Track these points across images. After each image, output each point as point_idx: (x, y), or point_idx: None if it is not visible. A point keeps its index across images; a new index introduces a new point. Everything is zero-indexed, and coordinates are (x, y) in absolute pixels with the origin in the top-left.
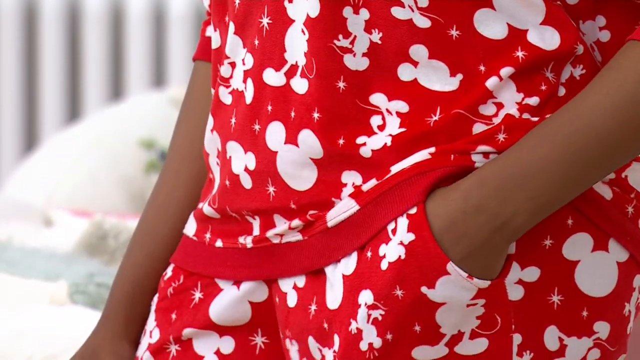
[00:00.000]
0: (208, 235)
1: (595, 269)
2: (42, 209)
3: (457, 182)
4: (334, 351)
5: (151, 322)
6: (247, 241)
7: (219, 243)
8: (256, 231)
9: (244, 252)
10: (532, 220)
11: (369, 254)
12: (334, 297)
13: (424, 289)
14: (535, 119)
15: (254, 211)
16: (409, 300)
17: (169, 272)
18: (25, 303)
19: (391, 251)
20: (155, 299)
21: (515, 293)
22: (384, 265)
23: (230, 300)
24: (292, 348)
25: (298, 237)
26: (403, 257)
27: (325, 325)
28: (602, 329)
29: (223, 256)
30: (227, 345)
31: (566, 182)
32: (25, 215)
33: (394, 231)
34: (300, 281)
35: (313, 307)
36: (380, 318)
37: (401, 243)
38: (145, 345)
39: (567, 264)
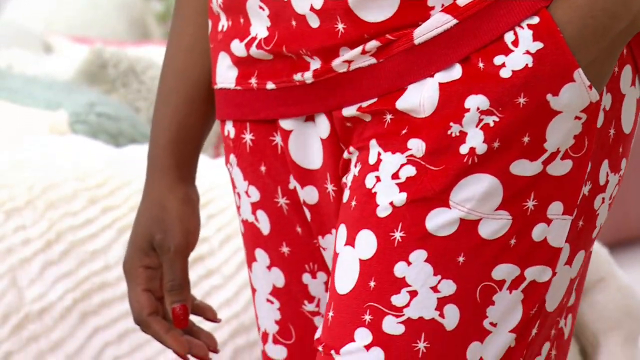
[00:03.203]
0: (254, 80)
1: (630, 106)
2: (41, 35)
3: None
4: (410, 155)
5: (240, 183)
6: (305, 77)
7: (270, 85)
8: (315, 66)
9: (303, 88)
10: None
11: (480, 64)
12: (420, 104)
13: (548, 96)
14: None
15: (315, 50)
16: (531, 108)
17: (230, 129)
18: (26, 132)
19: (516, 60)
20: (233, 159)
21: (599, 120)
22: (505, 73)
23: (313, 138)
24: (351, 157)
25: (371, 60)
26: (531, 65)
27: (404, 131)
28: (624, 166)
29: (281, 96)
30: (312, 195)
31: None
32: (24, 41)
33: (515, 42)
34: (367, 102)
35: (388, 117)
36: (492, 124)
37: (528, 52)
38: (247, 206)
39: (621, 97)
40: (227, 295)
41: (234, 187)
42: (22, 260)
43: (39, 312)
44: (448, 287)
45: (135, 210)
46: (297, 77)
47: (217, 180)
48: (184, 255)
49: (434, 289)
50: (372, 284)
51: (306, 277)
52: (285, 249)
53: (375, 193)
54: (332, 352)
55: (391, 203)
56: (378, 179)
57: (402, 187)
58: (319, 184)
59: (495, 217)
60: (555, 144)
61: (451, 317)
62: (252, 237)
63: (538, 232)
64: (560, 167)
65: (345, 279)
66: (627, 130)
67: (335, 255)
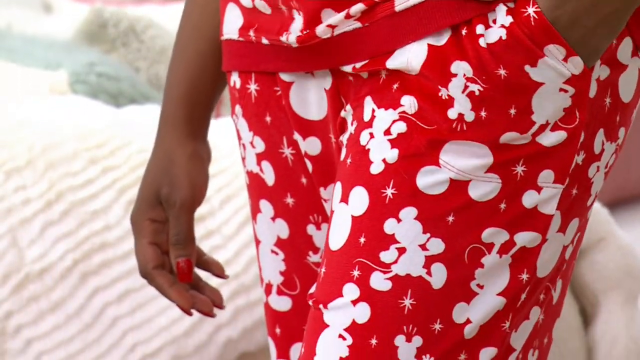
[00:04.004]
0: (252, 33)
1: (630, 76)
2: None
3: None
4: (402, 111)
5: (245, 133)
6: (290, 40)
7: (264, 41)
8: (297, 26)
9: (292, 49)
10: None
11: (463, 31)
12: (408, 62)
13: (527, 67)
14: None
15: (302, 3)
16: (512, 79)
17: (235, 79)
18: (26, 92)
19: (492, 33)
20: (238, 109)
21: (592, 91)
22: (482, 43)
23: (313, 90)
24: (347, 115)
25: (356, 25)
26: (504, 37)
27: (395, 86)
28: (622, 135)
29: (275, 52)
30: (314, 146)
31: None
32: (24, 0)
33: (495, 20)
34: (360, 63)
35: (383, 73)
36: (477, 93)
37: (502, 26)
38: (252, 157)
39: (621, 68)
40: (227, 255)
41: (239, 138)
42: (22, 220)
43: (39, 272)
44: (437, 245)
45: (135, 171)
46: (283, 38)
47: (218, 141)
48: (189, 210)
49: (423, 246)
50: (362, 240)
51: (310, 228)
52: (289, 200)
53: (369, 150)
54: (321, 306)
55: (384, 160)
56: (372, 135)
57: (393, 143)
58: (321, 134)
59: (485, 180)
60: (543, 117)
61: (438, 276)
62: (256, 188)
63: (528, 199)
64: (552, 139)
65: (338, 235)
66: (627, 100)
67: (331, 212)
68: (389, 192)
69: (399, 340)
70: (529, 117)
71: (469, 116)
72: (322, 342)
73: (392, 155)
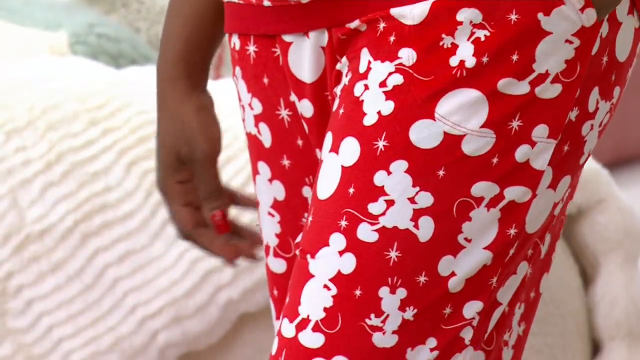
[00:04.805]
0: None
1: (627, 34)
2: None
3: None
4: (399, 63)
5: (244, 95)
6: None
7: (266, 3)
8: None
9: (298, 7)
10: None
11: None
12: (411, 10)
13: (540, 15)
14: None
15: None
16: (522, 25)
17: (235, 41)
18: (26, 53)
19: None
20: (238, 71)
21: (595, 46)
22: None
23: (307, 50)
24: (343, 67)
25: None
26: None
27: (392, 38)
28: (617, 94)
29: (277, 13)
30: (308, 109)
31: None
32: None
33: None
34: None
35: (382, 25)
36: (483, 39)
37: None
38: (250, 119)
39: (617, 25)
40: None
41: (239, 99)
42: (22, 181)
43: (39, 233)
44: (425, 199)
45: (135, 132)
46: None
47: (217, 101)
48: (212, 162)
49: (411, 199)
50: (351, 190)
51: (306, 190)
52: (285, 162)
53: (363, 101)
54: (308, 256)
55: (378, 112)
56: (366, 87)
57: (388, 95)
58: (314, 97)
59: (480, 135)
60: (544, 66)
61: (425, 229)
62: (255, 149)
63: (521, 153)
64: (549, 91)
65: (327, 184)
66: (622, 59)
67: (320, 162)
68: (381, 144)
69: (383, 291)
70: (530, 65)
71: (470, 62)
72: (307, 292)
73: (387, 107)
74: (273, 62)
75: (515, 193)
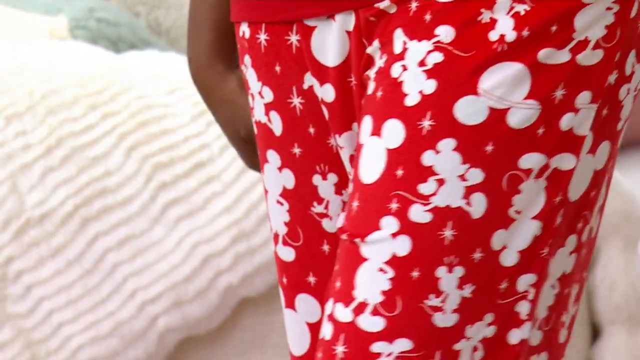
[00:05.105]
0: None
1: None
2: None
3: None
4: (437, 41)
5: (254, 83)
6: None
7: None
8: None
9: None
10: None
11: None
12: None
13: None
14: None
15: None
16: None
17: (245, 30)
18: (26, 38)
19: None
20: (247, 59)
21: (634, 10)
22: None
23: (333, 34)
24: (374, 51)
25: None
26: None
27: (427, 17)
28: None
29: None
30: (330, 93)
31: None
32: None
33: None
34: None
35: (414, 4)
36: (523, 13)
37: None
38: (260, 107)
39: None
40: (227, 202)
41: (248, 88)
42: (22, 166)
43: (39, 218)
44: (476, 175)
45: (135, 117)
46: None
47: None
48: None
49: (462, 177)
50: (399, 172)
51: (316, 179)
52: (296, 150)
53: (402, 82)
54: (358, 240)
55: (420, 92)
56: (404, 67)
57: (429, 74)
58: (336, 81)
59: (525, 107)
60: (583, 33)
61: (478, 206)
62: (264, 138)
63: (566, 121)
64: (591, 57)
65: (371, 168)
66: None
67: (360, 146)
68: (426, 123)
69: (441, 271)
70: (570, 34)
71: (511, 36)
72: (361, 276)
73: (429, 86)
74: (286, 49)
75: (559, 160)
